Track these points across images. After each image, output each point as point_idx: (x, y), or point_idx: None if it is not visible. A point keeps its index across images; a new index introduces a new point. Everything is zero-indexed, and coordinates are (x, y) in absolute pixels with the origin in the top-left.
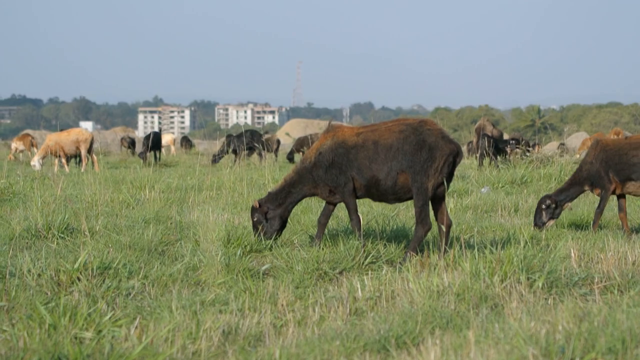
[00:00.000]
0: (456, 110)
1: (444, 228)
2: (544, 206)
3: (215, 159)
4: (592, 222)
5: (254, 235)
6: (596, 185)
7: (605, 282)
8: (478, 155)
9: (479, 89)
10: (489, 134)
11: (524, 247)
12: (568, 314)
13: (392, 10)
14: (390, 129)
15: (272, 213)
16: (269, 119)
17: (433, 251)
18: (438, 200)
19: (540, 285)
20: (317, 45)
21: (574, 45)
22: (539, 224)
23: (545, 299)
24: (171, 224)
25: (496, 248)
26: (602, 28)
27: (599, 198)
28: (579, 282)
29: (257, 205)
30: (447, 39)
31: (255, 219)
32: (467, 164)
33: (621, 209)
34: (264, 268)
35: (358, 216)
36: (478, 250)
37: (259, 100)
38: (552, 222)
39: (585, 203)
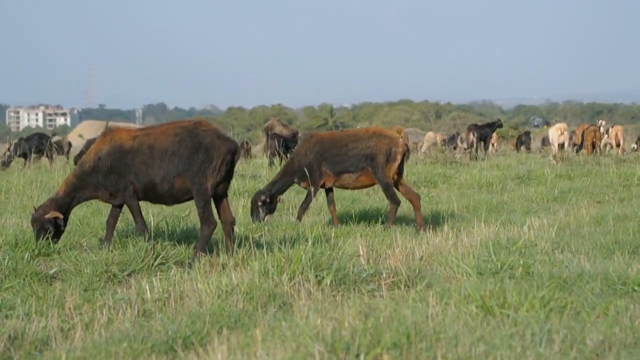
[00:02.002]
0: (249, 109)
1: (227, 226)
2: (259, 203)
3: (5, 163)
4: (297, 216)
5: (42, 240)
6: (304, 179)
7: (393, 277)
8: (269, 154)
9: (272, 88)
10: (279, 133)
11: (313, 245)
12: (354, 310)
13: (187, 8)
14: (165, 132)
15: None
16: (61, 121)
17: (222, 251)
18: (219, 198)
19: (329, 282)
20: (109, 45)
21: (365, 44)
22: (257, 220)
23: (334, 296)
24: None
25: (285, 246)
26: (393, 28)
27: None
28: (367, 279)
29: (61, 216)
30: (238, 38)
31: (48, 227)
32: (259, 163)
33: (330, 201)
34: (52, 272)
35: (142, 218)
36: (267, 249)
37: (50, 102)
38: (269, 216)
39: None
